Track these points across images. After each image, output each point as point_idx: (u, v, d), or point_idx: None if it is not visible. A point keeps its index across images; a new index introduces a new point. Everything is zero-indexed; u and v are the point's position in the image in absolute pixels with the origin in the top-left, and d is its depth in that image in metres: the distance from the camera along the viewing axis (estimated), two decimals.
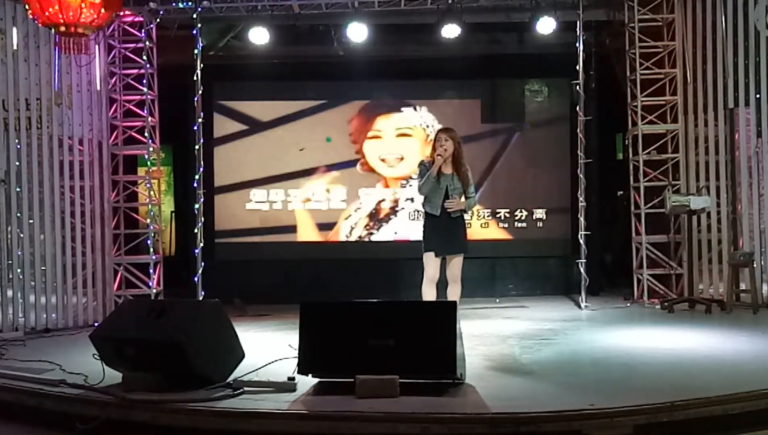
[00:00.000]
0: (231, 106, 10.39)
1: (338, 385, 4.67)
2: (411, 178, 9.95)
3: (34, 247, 8.05)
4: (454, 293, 6.25)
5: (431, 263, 6.30)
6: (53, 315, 8.10)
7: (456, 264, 6.33)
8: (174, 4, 8.88)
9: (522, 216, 10.34)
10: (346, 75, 10.17)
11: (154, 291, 8.97)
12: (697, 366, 5.33)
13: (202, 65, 8.93)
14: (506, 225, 10.34)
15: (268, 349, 6.02)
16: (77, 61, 8.25)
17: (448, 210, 6.28)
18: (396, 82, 10.40)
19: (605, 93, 10.13)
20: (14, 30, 7.92)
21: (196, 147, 8.96)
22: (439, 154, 6.25)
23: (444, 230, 6.32)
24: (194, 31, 8.87)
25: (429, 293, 6.26)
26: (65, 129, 8.31)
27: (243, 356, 5.15)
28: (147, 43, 8.94)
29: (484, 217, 10.29)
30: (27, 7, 6.68)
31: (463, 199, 6.34)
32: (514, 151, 10.39)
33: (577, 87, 8.99)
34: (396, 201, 10.26)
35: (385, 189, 10.25)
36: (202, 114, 9.04)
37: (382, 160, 10.22)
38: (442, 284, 6.33)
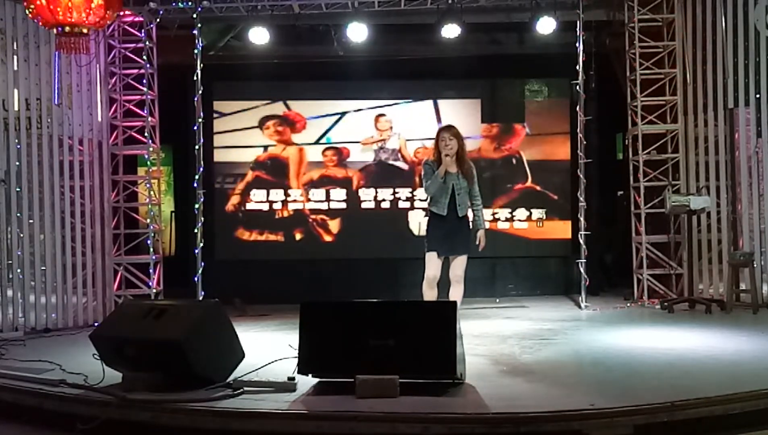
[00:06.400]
0: (231, 106, 10.38)
1: (338, 385, 4.67)
2: None
3: (34, 247, 8.05)
4: (456, 294, 6.20)
5: (432, 263, 6.25)
6: (53, 315, 8.10)
7: (459, 264, 6.29)
8: (174, 4, 8.88)
9: (522, 216, 10.34)
10: (346, 75, 10.17)
11: (154, 291, 8.97)
12: (697, 366, 5.32)
13: (202, 65, 8.94)
14: (506, 225, 10.34)
15: (268, 349, 6.02)
16: (77, 61, 8.25)
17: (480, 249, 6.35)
18: (396, 82, 10.40)
19: (605, 93, 10.14)
20: (14, 30, 7.92)
21: (196, 147, 8.96)
22: (446, 154, 6.17)
23: (449, 231, 6.26)
24: (194, 31, 8.88)
25: (429, 294, 6.23)
26: (65, 129, 8.31)
27: (243, 356, 5.15)
28: (147, 43, 8.94)
29: (483, 217, 10.26)
30: (30, 8, 6.68)
31: (481, 232, 6.38)
32: (514, 151, 10.38)
33: (577, 87, 8.99)
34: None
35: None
36: (202, 114, 9.04)
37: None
38: (443, 284, 6.30)
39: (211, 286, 8.90)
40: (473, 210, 6.39)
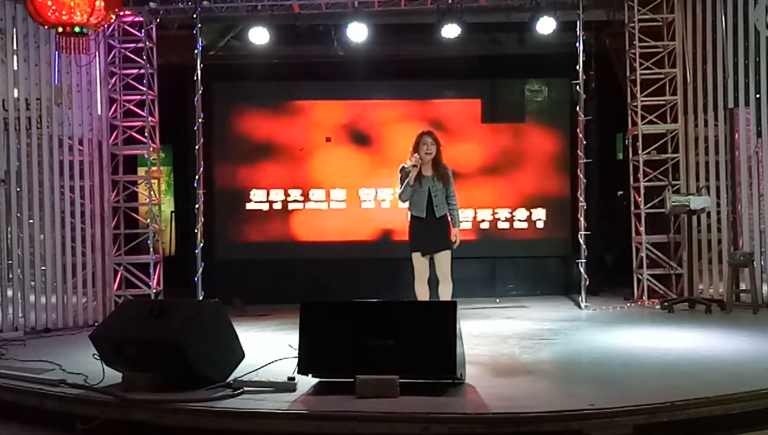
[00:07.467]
0: (231, 106, 10.38)
1: (338, 385, 4.67)
2: None
3: (34, 247, 8.05)
4: (445, 291, 6.28)
5: (418, 263, 6.40)
6: (53, 315, 8.09)
7: (444, 261, 6.36)
8: (174, 4, 8.88)
9: (522, 216, 10.34)
10: (346, 75, 10.17)
11: (154, 291, 8.97)
12: (697, 366, 5.33)
13: (202, 65, 8.94)
14: (506, 225, 10.33)
15: (268, 349, 6.03)
16: (77, 61, 8.25)
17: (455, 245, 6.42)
18: (396, 82, 10.38)
19: (605, 93, 10.14)
20: (14, 30, 7.92)
21: (196, 147, 8.96)
22: (414, 164, 6.27)
23: (429, 230, 6.38)
24: (194, 31, 8.88)
25: (421, 291, 6.36)
26: (65, 129, 8.31)
27: (243, 356, 5.16)
28: (147, 43, 8.95)
29: (483, 217, 10.29)
30: (30, 8, 6.67)
31: (456, 230, 6.45)
32: (515, 151, 10.38)
33: (577, 87, 8.99)
34: None
35: None
36: (202, 114, 9.04)
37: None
38: (433, 283, 6.37)
39: (211, 286, 8.89)
40: (449, 210, 6.47)
